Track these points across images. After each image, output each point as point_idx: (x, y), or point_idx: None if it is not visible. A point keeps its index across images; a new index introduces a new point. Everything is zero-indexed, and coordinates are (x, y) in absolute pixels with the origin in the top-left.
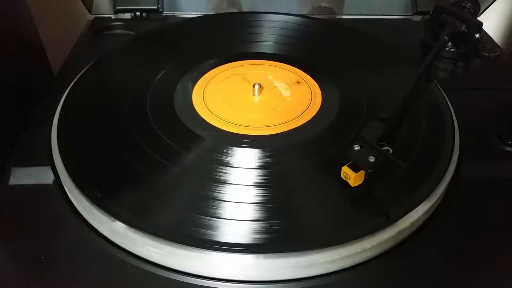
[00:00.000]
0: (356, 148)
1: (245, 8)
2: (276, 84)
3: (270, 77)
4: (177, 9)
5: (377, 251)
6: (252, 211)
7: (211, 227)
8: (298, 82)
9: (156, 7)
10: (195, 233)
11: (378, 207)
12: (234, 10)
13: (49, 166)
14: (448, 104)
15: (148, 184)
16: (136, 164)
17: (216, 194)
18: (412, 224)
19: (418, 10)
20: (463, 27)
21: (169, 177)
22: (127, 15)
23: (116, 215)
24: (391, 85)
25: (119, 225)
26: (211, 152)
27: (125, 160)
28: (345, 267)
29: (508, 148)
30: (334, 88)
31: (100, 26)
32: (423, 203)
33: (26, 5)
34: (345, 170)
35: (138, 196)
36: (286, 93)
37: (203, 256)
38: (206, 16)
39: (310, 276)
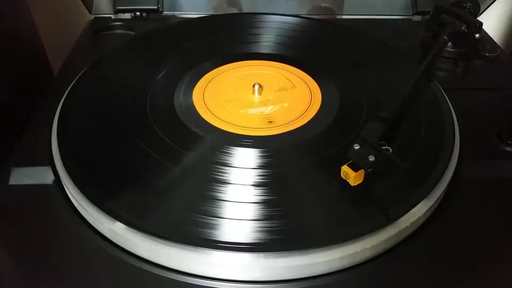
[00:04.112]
0: (356, 148)
1: (245, 9)
2: (276, 85)
3: (270, 77)
4: (177, 9)
5: (377, 251)
6: (252, 211)
7: (211, 226)
8: (295, 86)
9: (156, 7)
10: (195, 232)
11: (378, 207)
12: (234, 10)
13: (49, 166)
14: (448, 104)
15: (148, 184)
16: (136, 164)
17: (216, 194)
18: (412, 223)
19: (418, 10)
20: (463, 27)
21: (169, 177)
22: (127, 15)
23: (116, 215)
24: (391, 85)
25: (119, 225)
26: (211, 152)
27: (125, 160)
28: (345, 267)
29: (508, 148)
30: (334, 88)
31: (100, 26)
32: (422, 202)
33: (26, 5)
34: (345, 170)
35: (138, 196)
36: (286, 93)
37: (203, 256)
38: (206, 16)
39: (310, 276)
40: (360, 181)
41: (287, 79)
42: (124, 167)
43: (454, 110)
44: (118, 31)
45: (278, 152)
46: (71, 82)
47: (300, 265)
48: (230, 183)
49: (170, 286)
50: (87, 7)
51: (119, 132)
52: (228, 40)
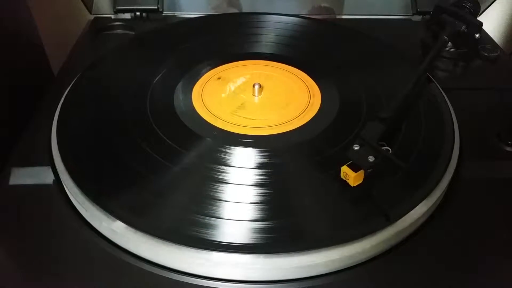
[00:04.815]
0: (356, 148)
1: (245, 9)
2: (275, 84)
3: (269, 77)
4: (177, 9)
5: (377, 251)
6: (252, 211)
7: (211, 227)
8: (219, 78)
9: (156, 7)
10: (195, 233)
11: (378, 207)
12: (234, 10)
13: (49, 166)
14: (448, 104)
15: (148, 184)
16: (135, 164)
17: (216, 194)
18: (412, 224)
19: (418, 10)
20: (463, 27)
21: (169, 177)
22: (127, 15)
23: (116, 215)
24: (391, 85)
25: (119, 225)
26: (210, 152)
27: (125, 160)
28: (345, 267)
29: (508, 148)
30: (334, 88)
31: (100, 26)
32: (423, 203)
33: (26, 5)
34: (345, 170)
35: (138, 196)
36: (286, 93)
37: (203, 256)
38: (205, 16)
39: (310, 276)
40: (360, 182)
41: (287, 79)
42: (124, 167)
43: (454, 110)
44: (118, 31)
45: (278, 152)
46: (71, 82)
47: (300, 265)
48: (229, 183)
49: (170, 286)
50: (87, 7)
51: (118, 132)
52: (227, 40)
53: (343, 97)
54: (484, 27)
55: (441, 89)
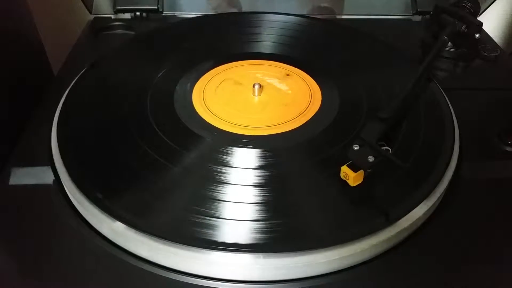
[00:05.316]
0: (356, 148)
1: (245, 8)
2: (276, 84)
3: (270, 78)
4: (177, 9)
5: (377, 251)
6: (252, 211)
7: (211, 227)
8: (288, 75)
9: (156, 7)
10: (195, 233)
11: (378, 207)
12: (234, 10)
13: (49, 166)
14: (448, 104)
15: (148, 184)
16: (136, 164)
17: (216, 194)
18: (412, 224)
19: (418, 10)
20: (463, 27)
21: (169, 177)
22: (127, 15)
23: (116, 215)
24: (391, 85)
25: (119, 225)
26: (211, 152)
27: (125, 160)
28: (345, 267)
29: (508, 148)
30: (334, 88)
31: (100, 26)
32: (423, 203)
33: (26, 5)
34: (345, 170)
35: (138, 196)
36: (286, 93)
37: (203, 256)
38: (205, 16)
39: (310, 276)
40: (360, 182)
41: (287, 78)
42: (124, 167)
43: (454, 110)
44: (118, 31)
45: (277, 152)
46: (71, 82)
47: (300, 265)
48: (229, 183)
49: (170, 286)
50: (87, 7)
51: (119, 132)
52: (227, 39)
53: (343, 97)
54: (484, 27)
55: (441, 89)
